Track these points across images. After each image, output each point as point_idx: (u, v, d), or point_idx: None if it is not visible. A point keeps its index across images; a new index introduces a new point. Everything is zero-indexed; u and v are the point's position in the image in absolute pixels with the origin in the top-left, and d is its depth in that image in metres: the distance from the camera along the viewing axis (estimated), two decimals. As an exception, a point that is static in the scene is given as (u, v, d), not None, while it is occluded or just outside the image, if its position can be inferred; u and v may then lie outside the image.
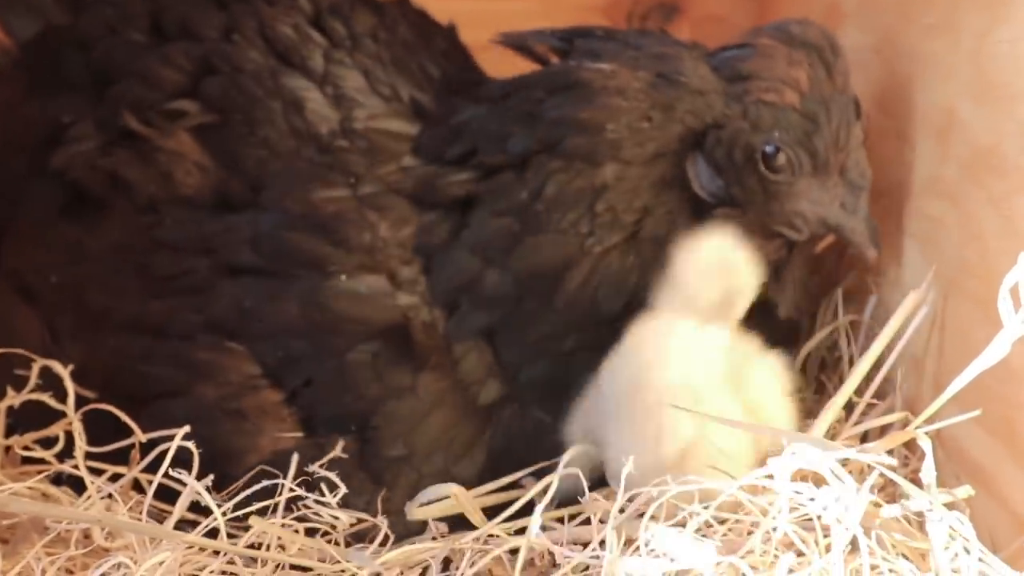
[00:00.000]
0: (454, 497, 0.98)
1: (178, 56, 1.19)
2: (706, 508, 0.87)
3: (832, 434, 1.06)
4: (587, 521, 0.97)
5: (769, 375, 1.04)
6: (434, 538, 1.01)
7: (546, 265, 1.07)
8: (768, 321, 1.10)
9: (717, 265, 1.02)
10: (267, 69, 1.18)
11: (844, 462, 0.92)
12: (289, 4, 1.23)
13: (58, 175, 1.20)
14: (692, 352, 1.00)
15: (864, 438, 1.08)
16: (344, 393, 1.08)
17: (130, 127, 1.17)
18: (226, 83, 1.18)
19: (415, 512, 1.01)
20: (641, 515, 0.89)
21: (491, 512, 1.00)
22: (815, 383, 1.23)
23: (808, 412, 1.10)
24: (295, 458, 1.02)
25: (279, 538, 0.98)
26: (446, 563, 0.98)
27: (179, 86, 1.19)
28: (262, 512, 0.98)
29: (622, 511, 0.90)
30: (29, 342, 1.12)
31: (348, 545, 1.01)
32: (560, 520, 0.99)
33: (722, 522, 0.90)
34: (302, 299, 1.09)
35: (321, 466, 1.01)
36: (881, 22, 1.21)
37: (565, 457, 0.99)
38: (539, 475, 1.01)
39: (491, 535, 0.97)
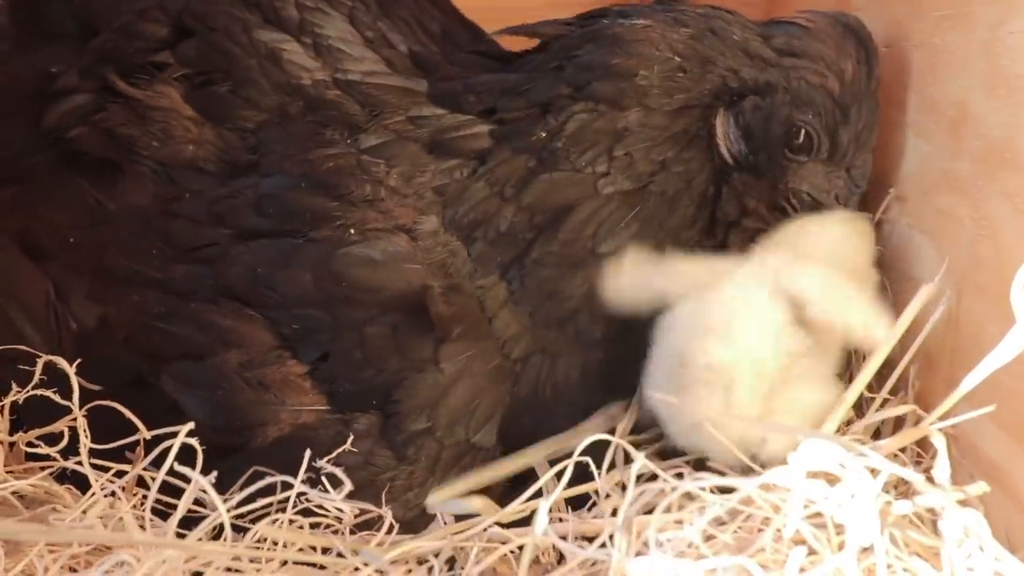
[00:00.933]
0: (479, 510, 0.98)
1: (154, 10, 1.18)
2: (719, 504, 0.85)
3: (843, 431, 1.04)
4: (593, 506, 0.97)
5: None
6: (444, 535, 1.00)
7: (556, 201, 1.08)
8: None
9: (839, 247, 1.08)
10: (240, 24, 1.17)
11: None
12: None
13: (55, 134, 1.18)
14: (758, 325, 1.01)
15: (876, 435, 1.07)
16: (365, 367, 1.06)
17: (118, 89, 1.16)
18: (200, 44, 1.16)
19: (433, 506, 1.01)
20: (650, 511, 0.88)
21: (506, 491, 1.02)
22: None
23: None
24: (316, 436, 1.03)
25: (291, 522, 0.97)
26: (451, 560, 0.98)
27: (159, 38, 1.18)
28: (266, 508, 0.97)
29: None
30: (30, 299, 1.13)
31: (352, 535, 1.01)
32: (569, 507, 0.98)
33: (733, 516, 0.89)
34: (316, 267, 1.07)
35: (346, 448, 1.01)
36: (892, 14, 1.20)
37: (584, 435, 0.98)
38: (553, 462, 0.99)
39: (498, 524, 0.96)
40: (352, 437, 1.03)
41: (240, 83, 1.15)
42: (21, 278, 1.17)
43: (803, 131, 1.09)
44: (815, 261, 1.06)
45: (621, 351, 1.09)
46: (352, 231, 1.08)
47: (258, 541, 0.96)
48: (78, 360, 1.05)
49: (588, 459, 0.96)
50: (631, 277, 1.07)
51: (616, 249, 1.07)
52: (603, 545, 0.86)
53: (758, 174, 1.11)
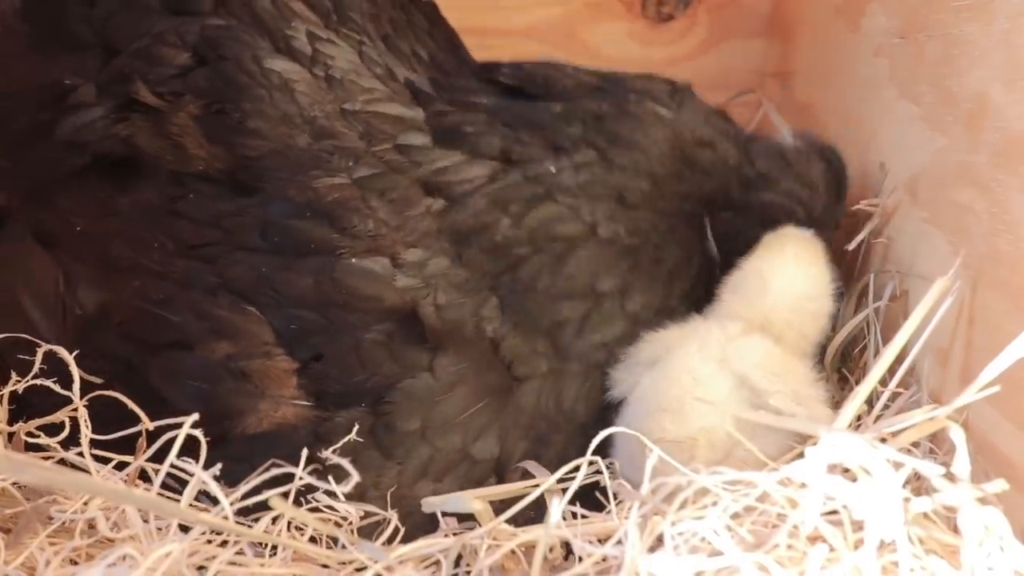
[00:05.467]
0: (477, 514, 0.97)
1: (171, 35, 1.18)
2: (734, 500, 0.84)
3: (853, 426, 1.03)
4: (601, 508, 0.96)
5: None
6: (447, 535, 0.99)
7: (559, 232, 1.12)
8: None
9: (780, 282, 1.13)
10: (251, 53, 1.16)
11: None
12: None
13: (71, 144, 1.18)
14: (707, 399, 1.06)
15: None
16: (357, 371, 1.07)
17: (141, 98, 1.16)
18: (211, 74, 1.16)
19: (430, 504, 1.00)
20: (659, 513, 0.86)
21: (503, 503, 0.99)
22: (836, 374, 1.21)
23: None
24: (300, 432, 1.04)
25: (291, 522, 0.96)
26: (457, 557, 0.96)
27: (178, 64, 1.17)
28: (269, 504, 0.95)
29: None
30: (43, 285, 1.15)
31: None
32: (575, 515, 0.97)
33: (749, 512, 0.88)
34: (316, 272, 1.09)
35: (332, 443, 1.01)
36: (908, 5, 1.19)
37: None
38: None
39: (506, 523, 0.95)
40: (338, 431, 1.03)
41: (248, 114, 1.14)
42: (35, 266, 1.17)
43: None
44: (771, 303, 1.13)
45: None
46: (354, 260, 1.10)
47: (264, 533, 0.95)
48: (77, 350, 1.04)
49: (598, 459, 0.95)
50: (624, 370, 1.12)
51: (615, 289, 1.12)
52: (619, 542, 0.85)
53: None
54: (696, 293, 1.17)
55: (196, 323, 1.09)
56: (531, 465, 1.07)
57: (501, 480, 1.09)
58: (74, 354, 1.04)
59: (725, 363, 1.07)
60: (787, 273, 1.13)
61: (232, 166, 1.14)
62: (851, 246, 1.21)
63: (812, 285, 1.15)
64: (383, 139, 1.14)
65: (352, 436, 1.03)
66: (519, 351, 1.10)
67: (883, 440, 0.93)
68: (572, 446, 1.08)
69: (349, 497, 0.99)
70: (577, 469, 0.96)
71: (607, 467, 1.01)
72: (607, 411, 1.12)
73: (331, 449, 1.00)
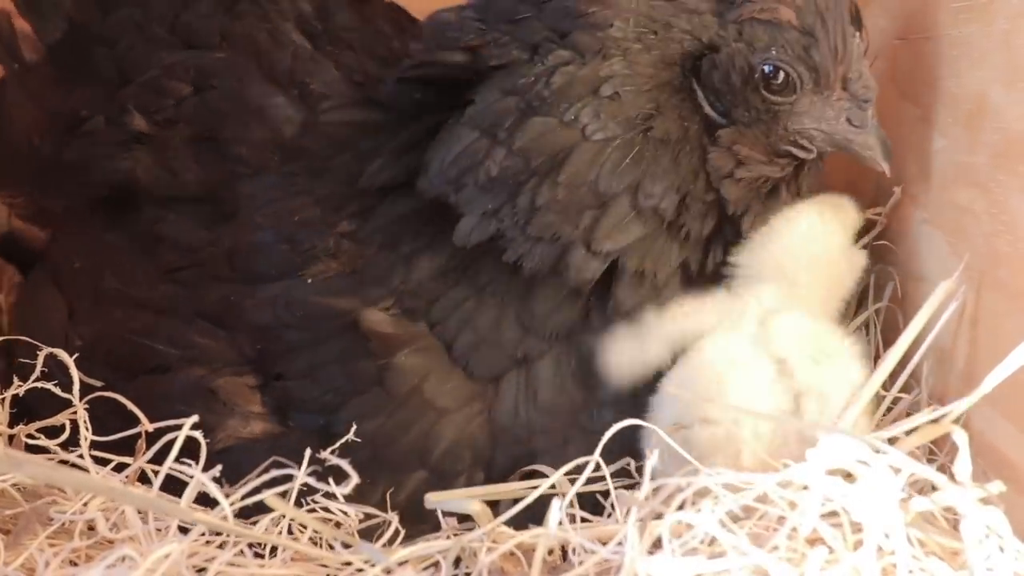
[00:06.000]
0: (476, 516, 0.96)
1: (179, 67, 1.23)
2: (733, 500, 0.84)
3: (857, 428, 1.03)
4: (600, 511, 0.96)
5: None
6: (448, 536, 0.99)
7: (552, 145, 1.05)
8: None
9: (807, 246, 1.08)
10: (238, 81, 1.21)
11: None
12: (280, 7, 1.26)
13: (76, 170, 1.25)
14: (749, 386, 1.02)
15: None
16: (314, 389, 1.08)
17: (137, 128, 1.21)
18: (200, 102, 1.21)
19: (430, 501, 1.00)
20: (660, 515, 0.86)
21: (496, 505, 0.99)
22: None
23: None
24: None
25: (292, 521, 0.96)
26: (456, 559, 0.96)
27: (180, 95, 1.22)
28: (268, 506, 0.95)
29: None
30: (52, 321, 1.21)
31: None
32: (573, 519, 0.97)
33: (748, 513, 0.87)
34: (275, 298, 1.11)
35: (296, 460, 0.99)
36: (907, 6, 1.19)
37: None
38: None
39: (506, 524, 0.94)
40: (295, 445, 1.03)
41: (231, 141, 1.19)
42: (45, 302, 1.25)
43: (777, 71, 1.05)
44: (794, 265, 1.08)
45: (595, 336, 1.08)
46: (310, 280, 1.10)
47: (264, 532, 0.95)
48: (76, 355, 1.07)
49: (600, 460, 0.94)
50: (628, 350, 1.07)
51: (622, 190, 1.05)
52: (620, 544, 0.85)
53: (746, 125, 1.07)
54: (705, 161, 1.07)
55: (173, 350, 1.13)
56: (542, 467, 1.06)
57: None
58: (74, 357, 1.05)
59: (762, 343, 1.04)
60: (811, 232, 1.10)
61: (216, 192, 1.18)
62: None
63: (835, 243, 1.11)
64: (342, 148, 1.15)
65: (306, 459, 0.98)
66: (489, 345, 1.07)
67: (890, 442, 0.92)
68: (556, 445, 1.06)
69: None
70: (582, 469, 0.95)
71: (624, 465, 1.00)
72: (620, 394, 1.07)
73: (304, 463, 0.97)
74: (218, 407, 1.09)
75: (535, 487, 0.97)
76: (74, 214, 1.27)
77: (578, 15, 1.05)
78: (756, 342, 1.05)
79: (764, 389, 1.02)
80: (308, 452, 0.97)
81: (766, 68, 1.05)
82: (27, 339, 1.10)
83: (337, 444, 1.03)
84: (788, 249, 1.09)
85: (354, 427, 1.04)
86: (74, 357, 1.06)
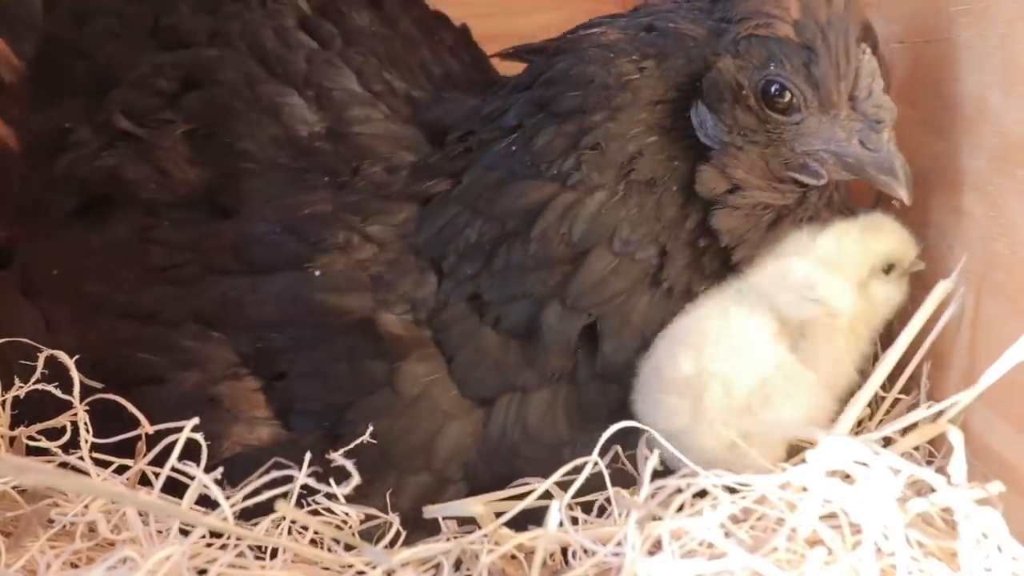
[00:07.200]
0: (478, 518, 0.96)
1: (167, 67, 1.22)
2: (732, 502, 0.84)
3: (856, 430, 1.03)
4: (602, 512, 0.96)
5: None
6: (448, 539, 0.99)
7: (527, 203, 1.05)
8: None
9: (804, 285, 1.02)
10: (245, 78, 1.20)
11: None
12: (277, 6, 1.25)
13: (65, 180, 1.23)
14: (730, 343, 1.01)
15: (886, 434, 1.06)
16: (319, 387, 1.07)
17: (122, 128, 1.20)
18: (204, 98, 1.20)
19: (430, 511, 1.00)
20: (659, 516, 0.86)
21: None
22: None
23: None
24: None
25: (293, 523, 0.96)
26: (457, 562, 0.96)
27: (169, 94, 1.22)
28: (269, 508, 0.95)
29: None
30: (27, 333, 1.13)
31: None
32: (575, 521, 0.97)
33: (747, 515, 0.88)
34: (280, 293, 1.10)
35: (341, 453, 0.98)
36: (906, 9, 1.19)
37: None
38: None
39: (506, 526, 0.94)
40: (302, 455, 0.99)
41: (238, 136, 1.18)
42: (20, 314, 1.20)
43: (777, 86, 1.00)
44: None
45: (590, 383, 1.06)
46: (318, 273, 1.09)
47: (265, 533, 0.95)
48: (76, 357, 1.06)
49: (599, 460, 0.94)
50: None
51: (598, 240, 1.03)
52: (618, 544, 0.85)
53: (739, 148, 1.03)
54: (693, 198, 1.04)
55: (164, 357, 1.11)
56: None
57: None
58: (74, 359, 1.05)
59: (761, 309, 1.02)
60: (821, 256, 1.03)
61: (214, 189, 1.17)
62: None
63: (848, 272, 1.03)
64: (373, 159, 1.15)
65: (307, 461, 0.96)
66: (487, 369, 1.06)
67: (885, 444, 0.93)
68: (538, 468, 1.03)
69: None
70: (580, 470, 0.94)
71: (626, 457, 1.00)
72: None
73: (304, 464, 0.96)
74: (221, 414, 1.07)
75: (533, 490, 0.97)
76: (52, 220, 1.24)
77: (562, 79, 1.06)
78: (754, 309, 1.03)
79: (747, 353, 1.01)
80: (317, 452, 0.97)
81: (766, 85, 1.01)
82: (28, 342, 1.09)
83: (351, 444, 1.01)
84: (787, 273, 1.03)
85: (369, 428, 1.02)
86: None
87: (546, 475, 0.96)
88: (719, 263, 1.05)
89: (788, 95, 1.01)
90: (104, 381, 1.09)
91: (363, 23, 1.27)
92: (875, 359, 1.07)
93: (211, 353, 1.10)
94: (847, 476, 0.86)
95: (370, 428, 1.03)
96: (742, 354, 1.01)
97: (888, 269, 1.06)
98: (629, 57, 1.04)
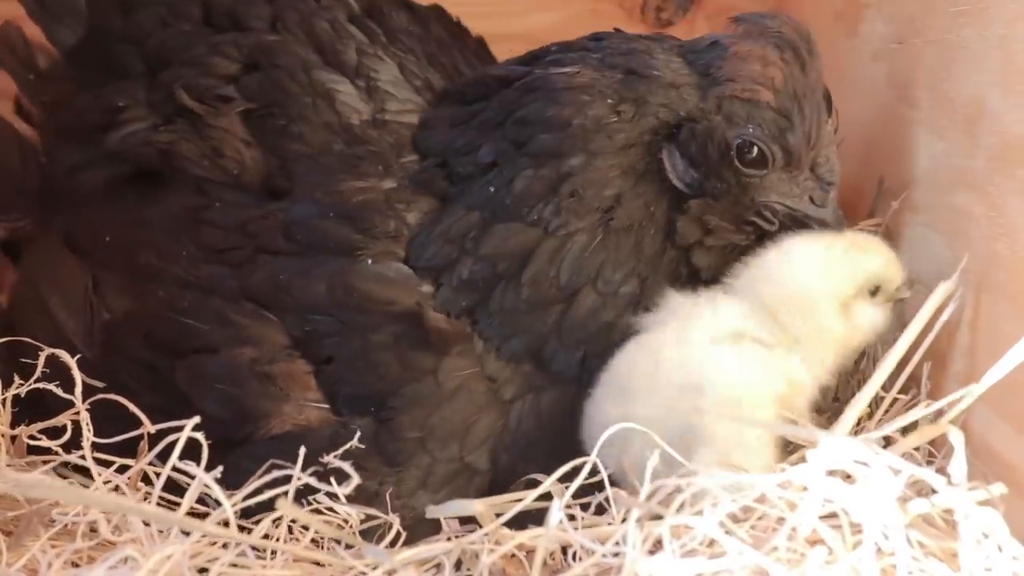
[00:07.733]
0: (479, 516, 0.96)
1: (228, 46, 1.25)
2: (732, 501, 0.84)
3: (856, 430, 1.03)
4: (601, 512, 0.96)
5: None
6: (449, 538, 0.99)
7: (515, 248, 1.10)
8: None
9: (786, 282, 1.06)
10: (302, 64, 1.23)
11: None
12: (330, 2, 1.29)
13: (115, 154, 1.26)
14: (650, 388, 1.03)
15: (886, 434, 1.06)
16: (366, 373, 1.09)
17: (183, 103, 1.22)
18: (263, 79, 1.23)
19: (432, 512, 1.00)
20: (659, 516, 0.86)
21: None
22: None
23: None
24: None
25: (292, 523, 0.96)
26: (458, 562, 0.96)
27: (229, 73, 1.24)
28: (271, 505, 0.95)
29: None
30: (71, 288, 1.20)
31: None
32: (572, 518, 0.97)
33: (747, 514, 0.88)
34: (330, 277, 1.12)
35: (340, 452, 1.01)
36: (905, 10, 1.19)
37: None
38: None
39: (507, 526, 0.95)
40: (353, 437, 1.05)
41: (294, 119, 1.21)
42: (64, 270, 1.23)
43: (752, 146, 1.09)
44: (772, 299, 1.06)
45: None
46: (370, 261, 1.12)
47: (265, 535, 0.95)
48: (102, 351, 1.11)
49: (598, 460, 0.95)
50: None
51: (584, 282, 1.09)
52: (617, 543, 0.85)
53: (715, 196, 1.11)
54: (675, 232, 1.11)
55: (220, 330, 1.13)
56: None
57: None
58: (76, 358, 1.05)
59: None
60: (800, 268, 1.06)
61: (266, 170, 1.20)
62: None
63: (827, 288, 1.05)
64: (410, 150, 1.18)
65: (354, 443, 1.04)
66: (506, 375, 1.10)
67: (885, 445, 0.93)
68: (551, 459, 1.03)
69: (352, 501, 1.00)
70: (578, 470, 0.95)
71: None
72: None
73: (333, 454, 1.00)
74: (274, 392, 1.09)
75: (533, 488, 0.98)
76: (103, 189, 1.27)
77: (538, 120, 1.11)
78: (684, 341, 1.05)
79: (669, 397, 1.02)
80: (364, 438, 1.04)
81: (743, 143, 1.09)
82: (29, 340, 1.08)
83: (403, 436, 1.07)
84: (769, 277, 1.07)
85: (413, 416, 1.07)
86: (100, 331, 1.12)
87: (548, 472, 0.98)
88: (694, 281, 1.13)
89: (759, 152, 1.09)
90: (156, 347, 1.13)
91: (402, 23, 1.31)
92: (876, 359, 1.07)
93: (265, 333, 1.12)
94: (848, 476, 0.87)
95: (412, 416, 1.07)
96: (665, 402, 1.02)
97: (874, 291, 1.07)
98: (605, 101, 1.10)
